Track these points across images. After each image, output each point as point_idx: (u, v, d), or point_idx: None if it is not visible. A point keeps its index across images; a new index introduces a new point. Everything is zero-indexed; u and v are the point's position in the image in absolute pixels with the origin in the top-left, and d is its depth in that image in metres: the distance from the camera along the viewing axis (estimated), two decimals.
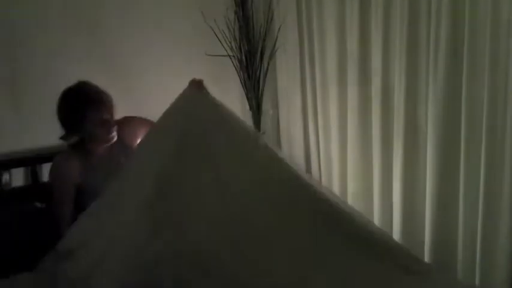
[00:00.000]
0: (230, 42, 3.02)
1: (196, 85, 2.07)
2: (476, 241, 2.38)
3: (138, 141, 2.42)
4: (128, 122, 2.46)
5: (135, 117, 2.52)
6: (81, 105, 2.21)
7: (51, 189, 2.32)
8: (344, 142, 2.99)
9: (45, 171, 2.56)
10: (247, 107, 3.16)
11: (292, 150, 3.37)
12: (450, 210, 2.52)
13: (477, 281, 2.38)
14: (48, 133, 2.58)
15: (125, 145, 2.41)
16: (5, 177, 2.48)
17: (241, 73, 3.09)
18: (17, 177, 2.54)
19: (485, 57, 2.26)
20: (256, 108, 3.12)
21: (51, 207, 2.33)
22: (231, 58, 3.04)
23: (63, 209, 2.28)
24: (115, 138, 2.33)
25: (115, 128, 2.31)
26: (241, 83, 3.11)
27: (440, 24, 2.41)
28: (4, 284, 2.10)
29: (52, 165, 2.37)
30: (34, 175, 2.56)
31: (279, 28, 3.14)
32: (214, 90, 3.15)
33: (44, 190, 2.48)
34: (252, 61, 3.05)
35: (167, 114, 2.06)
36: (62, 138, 2.28)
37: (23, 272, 2.13)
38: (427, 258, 2.59)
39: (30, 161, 2.54)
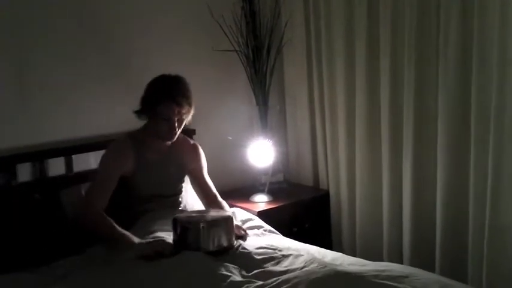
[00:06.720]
0: (237, 38, 3.01)
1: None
2: (484, 239, 2.38)
3: (191, 165, 2.54)
4: (190, 146, 2.58)
5: (196, 145, 2.62)
6: (160, 93, 2.30)
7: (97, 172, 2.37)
8: (352, 138, 2.98)
9: (52, 166, 2.57)
10: (254, 102, 3.16)
11: (298, 146, 3.37)
12: (460, 209, 2.52)
13: (484, 277, 2.39)
14: (55, 128, 2.62)
15: (178, 161, 2.50)
16: (12, 172, 2.48)
17: (248, 68, 3.08)
18: (24, 173, 2.54)
19: (494, 51, 2.26)
20: (263, 104, 3.12)
21: (87, 190, 2.34)
22: (238, 53, 3.04)
23: (97, 199, 2.26)
24: (169, 142, 2.41)
25: (176, 133, 2.36)
26: (248, 78, 3.11)
27: (450, 17, 2.41)
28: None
29: (107, 148, 2.40)
30: (42, 170, 2.56)
31: (286, 23, 3.13)
32: (221, 85, 3.20)
33: (50, 184, 2.50)
34: (259, 56, 3.05)
35: None
36: (135, 111, 2.36)
37: (28, 263, 2.14)
38: (437, 257, 2.60)
39: (37, 156, 2.54)
